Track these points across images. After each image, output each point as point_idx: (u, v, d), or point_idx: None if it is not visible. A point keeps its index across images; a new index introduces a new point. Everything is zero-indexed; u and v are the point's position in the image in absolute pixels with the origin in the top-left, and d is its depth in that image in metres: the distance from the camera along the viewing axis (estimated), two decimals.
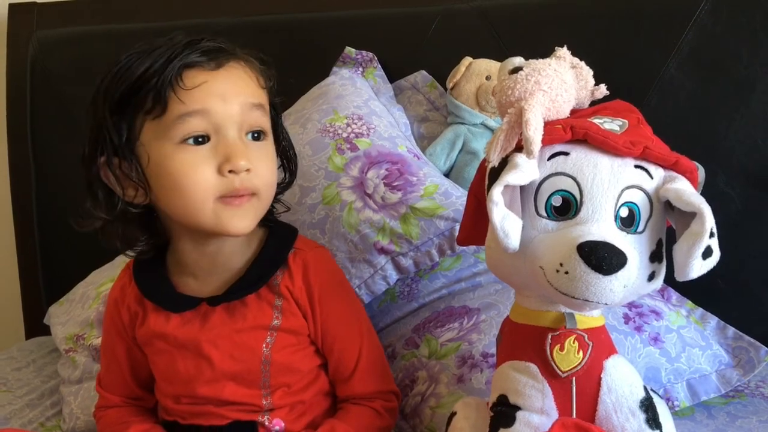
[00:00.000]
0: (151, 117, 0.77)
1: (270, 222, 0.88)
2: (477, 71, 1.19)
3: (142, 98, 0.77)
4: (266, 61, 0.86)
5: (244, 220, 0.79)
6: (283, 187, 0.90)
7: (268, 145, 0.83)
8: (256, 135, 0.81)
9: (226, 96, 0.78)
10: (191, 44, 0.79)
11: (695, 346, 1.02)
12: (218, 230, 0.79)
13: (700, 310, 1.10)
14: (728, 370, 1.02)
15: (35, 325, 1.46)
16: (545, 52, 0.76)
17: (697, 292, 1.09)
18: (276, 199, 0.88)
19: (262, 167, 0.80)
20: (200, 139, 0.78)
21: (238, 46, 0.84)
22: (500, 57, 0.81)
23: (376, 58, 1.29)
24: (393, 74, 1.29)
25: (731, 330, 1.07)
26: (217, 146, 0.78)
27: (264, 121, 0.82)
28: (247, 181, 0.78)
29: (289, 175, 0.91)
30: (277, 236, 0.88)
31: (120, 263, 1.22)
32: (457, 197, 1.04)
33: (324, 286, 0.86)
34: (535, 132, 0.65)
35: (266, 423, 0.84)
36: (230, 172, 0.77)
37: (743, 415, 0.98)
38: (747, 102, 1.17)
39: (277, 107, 0.88)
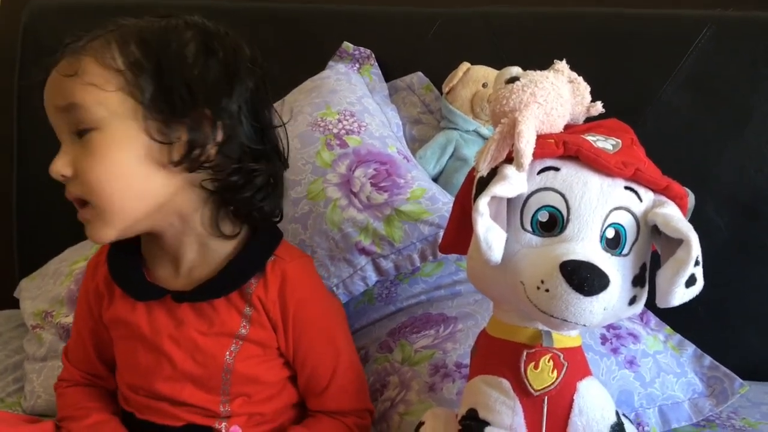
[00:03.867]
0: None
1: (256, 221, 0.83)
2: (474, 77, 1.17)
3: None
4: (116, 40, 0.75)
5: (92, 230, 0.76)
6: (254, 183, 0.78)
7: (95, 141, 0.73)
8: (79, 133, 0.74)
9: (46, 104, 0.77)
10: None
11: (670, 373, 1.01)
12: None
13: (678, 337, 1.09)
14: (701, 399, 1.01)
15: (5, 298, 1.43)
16: (544, 64, 0.75)
17: (676, 318, 1.08)
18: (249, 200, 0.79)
19: (85, 169, 0.73)
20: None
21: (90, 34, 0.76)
22: (499, 65, 0.80)
23: (373, 55, 1.27)
24: (389, 73, 1.28)
25: (708, 359, 1.06)
26: None
27: (81, 117, 0.73)
28: (71, 187, 0.75)
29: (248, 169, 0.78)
30: (258, 240, 0.83)
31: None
32: (444, 203, 1.03)
33: (301, 302, 0.81)
34: (526, 144, 0.64)
35: (222, 430, 0.81)
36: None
37: None
38: (742, 131, 1.17)
39: (162, 81, 0.73)
